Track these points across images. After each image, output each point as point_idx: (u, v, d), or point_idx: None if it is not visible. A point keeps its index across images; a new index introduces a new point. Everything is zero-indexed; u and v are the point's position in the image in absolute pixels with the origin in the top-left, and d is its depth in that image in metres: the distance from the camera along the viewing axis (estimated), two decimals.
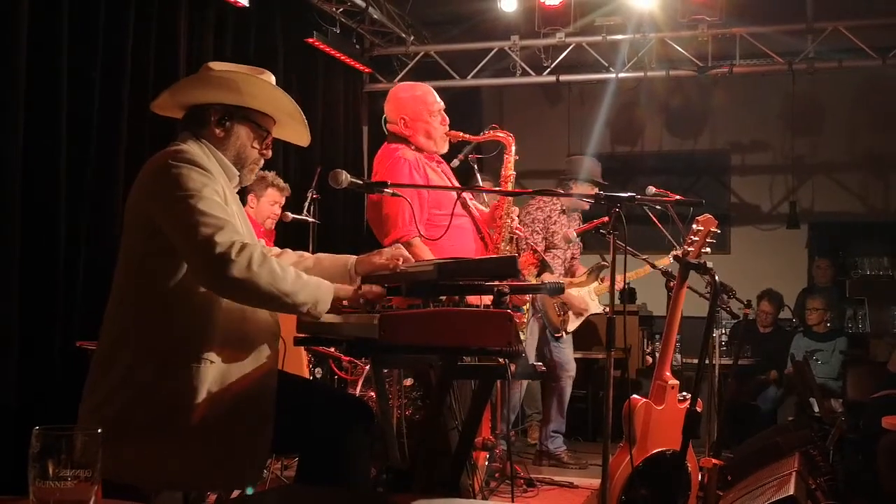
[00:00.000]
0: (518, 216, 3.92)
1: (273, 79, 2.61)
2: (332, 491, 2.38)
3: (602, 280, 5.86)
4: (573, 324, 5.88)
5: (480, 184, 4.59)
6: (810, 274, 8.94)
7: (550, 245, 5.82)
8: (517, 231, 3.78)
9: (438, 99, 3.70)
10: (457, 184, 3.75)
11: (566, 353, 5.96)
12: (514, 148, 3.79)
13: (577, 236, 5.85)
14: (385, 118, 3.75)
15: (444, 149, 3.70)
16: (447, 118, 3.69)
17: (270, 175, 5.31)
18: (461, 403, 3.24)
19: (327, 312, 2.42)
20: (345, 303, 2.46)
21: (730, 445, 5.51)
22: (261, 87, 2.54)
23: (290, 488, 3.24)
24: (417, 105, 3.64)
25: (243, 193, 5.10)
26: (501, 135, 3.81)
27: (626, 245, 3.55)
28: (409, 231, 3.41)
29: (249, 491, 2.46)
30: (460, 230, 3.54)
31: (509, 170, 3.80)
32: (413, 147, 3.62)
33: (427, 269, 2.56)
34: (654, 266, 5.08)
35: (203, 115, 2.54)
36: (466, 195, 3.72)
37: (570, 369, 6.00)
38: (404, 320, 2.32)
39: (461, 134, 3.75)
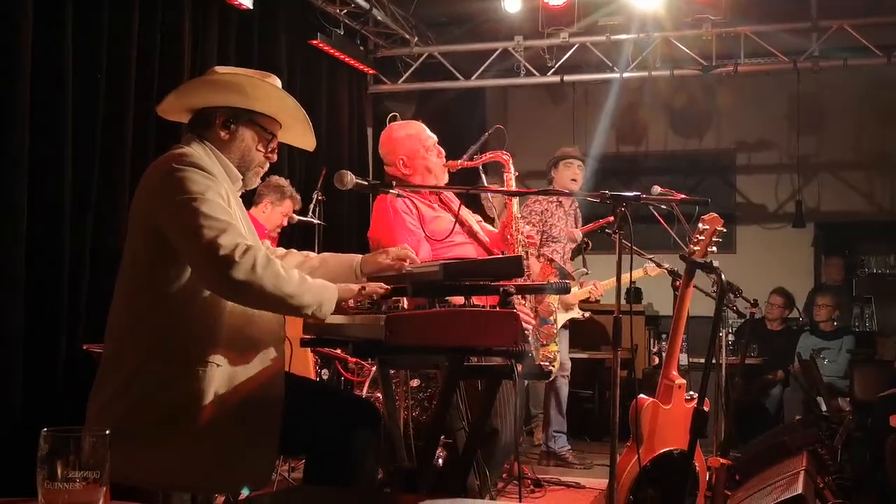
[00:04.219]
0: (521, 213, 3.89)
1: (279, 82, 2.61)
2: (339, 492, 2.38)
3: (581, 285, 5.86)
4: (561, 319, 5.84)
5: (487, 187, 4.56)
6: (817, 273, 8.93)
7: (549, 239, 5.81)
8: (530, 243, 3.76)
9: (431, 133, 3.69)
10: (463, 209, 3.70)
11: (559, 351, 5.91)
12: (512, 167, 3.76)
13: (583, 236, 5.86)
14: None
15: (445, 180, 3.69)
16: (442, 150, 3.68)
17: (290, 188, 5.33)
18: (468, 404, 3.24)
19: (333, 313, 2.42)
20: (350, 303, 2.46)
21: (737, 445, 5.50)
22: (266, 90, 2.54)
23: (298, 489, 3.24)
24: (413, 143, 3.61)
25: (249, 196, 5.10)
26: (502, 156, 3.78)
27: (631, 245, 3.54)
28: None
29: (245, 492, 2.45)
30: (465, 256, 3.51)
31: (511, 188, 3.78)
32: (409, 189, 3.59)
33: (433, 270, 2.55)
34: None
35: (208, 117, 2.54)
36: (473, 222, 3.69)
37: (565, 368, 5.97)
38: (410, 321, 2.32)
39: (459, 162, 3.74)
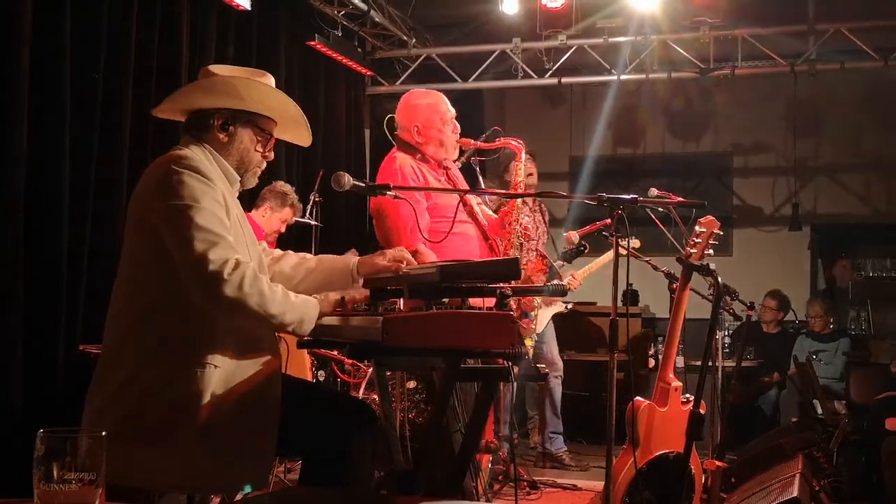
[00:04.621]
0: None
1: (273, 81, 2.62)
2: (335, 494, 2.38)
3: (560, 278, 5.85)
4: (545, 315, 5.83)
5: (483, 187, 4.58)
6: (813, 276, 8.93)
7: None
8: (526, 236, 3.79)
9: (451, 107, 3.70)
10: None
11: (549, 352, 5.90)
12: (524, 155, 3.80)
13: (580, 238, 5.85)
14: (391, 122, 3.74)
15: (455, 156, 3.71)
16: (458, 126, 3.69)
17: (293, 196, 5.31)
18: (464, 406, 3.24)
19: (331, 315, 2.42)
20: (350, 306, 2.47)
21: (733, 447, 5.50)
22: (262, 90, 2.54)
23: (294, 491, 3.24)
24: (431, 113, 3.62)
25: (250, 198, 5.10)
26: (514, 143, 3.81)
27: (628, 247, 3.55)
28: (412, 241, 3.41)
29: (248, 489, 2.45)
30: (465, 237, 3.53)
31: (519, 176, 3.81)
32: (419, 156, 3.61)
33: (429, 272, 2.56)
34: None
35: (205, 120, 2.54)
36: (474, 202, 3.71)
37: (557, 368, 5.96)
38: (407, 323, 2.32)
39: (472, 141, 3.75)
